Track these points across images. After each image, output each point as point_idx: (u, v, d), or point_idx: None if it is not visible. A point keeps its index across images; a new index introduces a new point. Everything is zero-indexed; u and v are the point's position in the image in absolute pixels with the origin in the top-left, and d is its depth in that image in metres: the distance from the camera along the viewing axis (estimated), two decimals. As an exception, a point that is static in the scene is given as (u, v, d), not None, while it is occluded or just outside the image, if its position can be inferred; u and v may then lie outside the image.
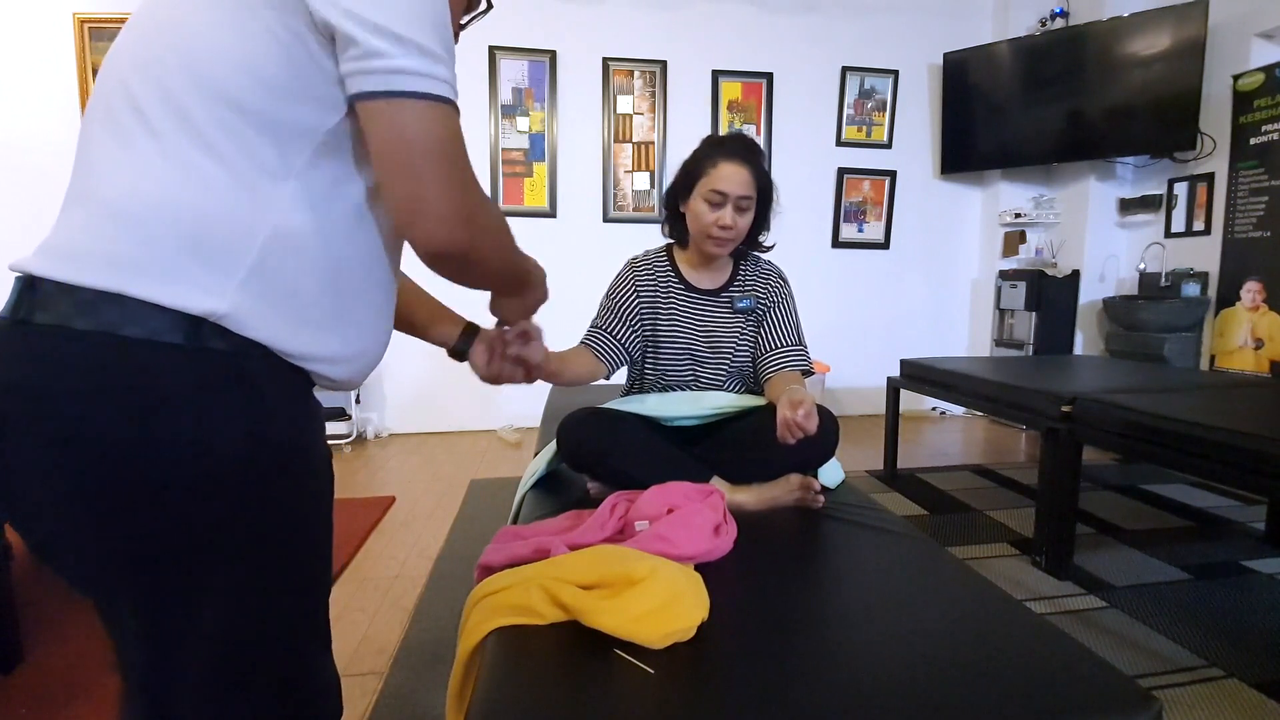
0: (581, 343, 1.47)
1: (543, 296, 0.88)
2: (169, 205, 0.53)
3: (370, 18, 0.52)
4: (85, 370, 0.51)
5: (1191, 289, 3.42)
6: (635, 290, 1.46)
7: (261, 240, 0.55)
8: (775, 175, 1.46)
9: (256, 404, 0.56)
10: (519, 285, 0.82)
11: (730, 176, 1.32)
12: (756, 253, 1.49)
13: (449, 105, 0.57)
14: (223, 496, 0.55)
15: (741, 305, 1.46)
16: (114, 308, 0.51)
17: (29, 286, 0.53)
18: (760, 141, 3.96)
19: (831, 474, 1.42)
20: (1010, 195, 4.16)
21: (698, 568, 0.94)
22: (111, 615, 0.60)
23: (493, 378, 0.97)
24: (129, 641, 0.59)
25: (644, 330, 1.46)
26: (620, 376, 1.60)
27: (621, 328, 1.45)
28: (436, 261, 0.60)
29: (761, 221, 1.44)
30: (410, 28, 0.54)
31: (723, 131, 3.93)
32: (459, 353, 0.96)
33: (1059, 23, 3.84)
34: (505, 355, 0.96)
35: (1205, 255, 3.44)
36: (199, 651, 0.57)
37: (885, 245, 4.26)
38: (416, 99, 0.54)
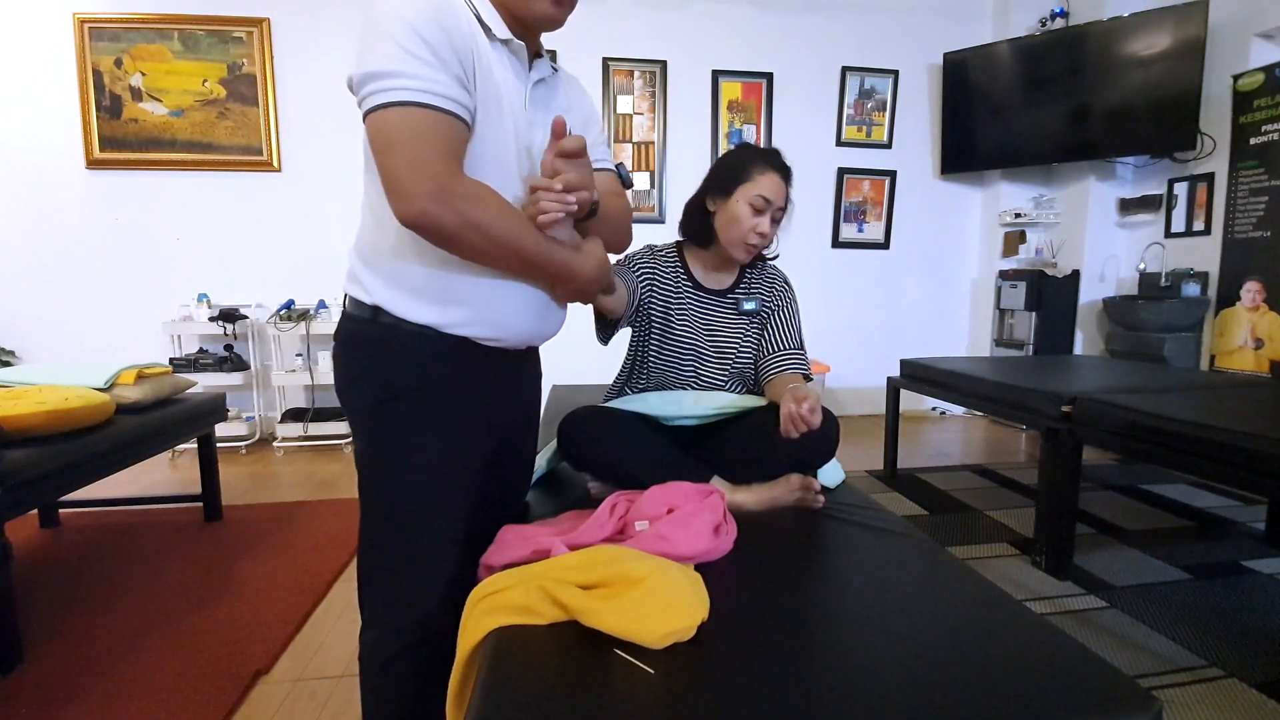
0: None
1: (583, 286, 0.97)
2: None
3: (352, 73, 0.78)
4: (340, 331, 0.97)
5: (1191, 289, 3.42)
6: (652, 272, 1.45)
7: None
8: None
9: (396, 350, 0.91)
10: (540, 272, 0.91)
11: (776, 186, 1.36)
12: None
13: (405, 105, 0.74)
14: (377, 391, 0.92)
15: (747, 308, 1.46)
16: (350, 301, 0.93)
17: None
18: (760, 142, 3.96)
19: (831, 474, 1.42)
20: (1010, 195, 4.16)
21: (698, 568, 0.94)
22: None
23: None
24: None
25: (651, 306, 1.44)
26: (613, 373, 1.59)
27: (638, 280, 1.41)
28: (415, 232, 0.79)
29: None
30: (368, 64, 0.75)
31: (723, 132, 3.94)
32: None
33: (1059, 23, 3.84)
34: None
35: (1205, 255, 3.44)
36: None
37: (885, 245, 4.26)
38: (375, 110, 0.76)
